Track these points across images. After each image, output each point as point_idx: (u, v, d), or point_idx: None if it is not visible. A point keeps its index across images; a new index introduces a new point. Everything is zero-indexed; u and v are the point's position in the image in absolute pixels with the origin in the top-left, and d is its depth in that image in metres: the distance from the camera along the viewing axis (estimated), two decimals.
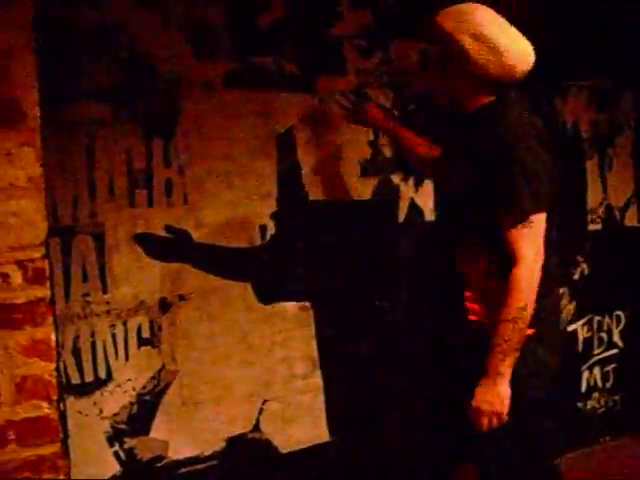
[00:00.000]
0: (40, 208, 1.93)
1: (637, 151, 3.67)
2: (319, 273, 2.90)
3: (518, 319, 2.00)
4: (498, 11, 2.08)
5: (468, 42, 1.97)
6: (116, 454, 2.60)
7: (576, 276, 3.56)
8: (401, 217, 3.06)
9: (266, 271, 2.82)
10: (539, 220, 2.02)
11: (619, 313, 3.72)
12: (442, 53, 2.06)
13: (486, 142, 2.03)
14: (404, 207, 3.06)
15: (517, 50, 2.00)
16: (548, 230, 2.06)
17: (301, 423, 2.92)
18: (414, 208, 3.07)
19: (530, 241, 2.00)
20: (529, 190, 1.98)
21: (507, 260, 2.02)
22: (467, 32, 1.97)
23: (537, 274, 2.02)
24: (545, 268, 2.06)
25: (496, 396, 2.04)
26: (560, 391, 2.36)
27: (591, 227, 3.59)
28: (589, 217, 3.58)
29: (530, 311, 2.02)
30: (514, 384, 2.05)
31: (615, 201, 3.65)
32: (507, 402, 2.05)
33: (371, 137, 2.97)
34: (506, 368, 2.03)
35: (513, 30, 2.03)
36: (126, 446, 2.62)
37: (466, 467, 2.29)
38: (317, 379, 2.93)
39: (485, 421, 2.06)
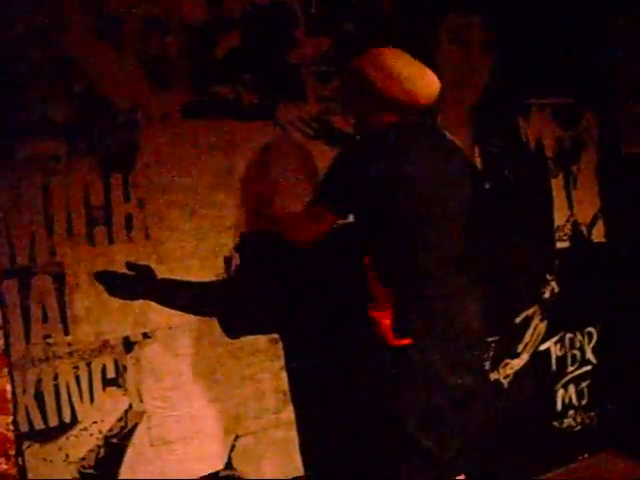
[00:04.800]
0: None
1: (601, 167, 3.69)
2: (288, 304, 2.85)
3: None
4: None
5: (372, 72, 2.31)
6: None
7: (546, 294, 3.55)
8: None
9: (232, 304, 2.76)
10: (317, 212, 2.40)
11: (590, 329, 3.71)
12: (354, 86, 2.39)
13: None
14: None
15: (418, 79, 2.30)
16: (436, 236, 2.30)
17: (274, 458, 2.85)
18: None
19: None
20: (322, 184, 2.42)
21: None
22: (372, 65, 2.32)
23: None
24: (426, 270, 2.29)
25: None
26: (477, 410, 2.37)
27: (559, 245, 3.58)
28: (556, 235, 3.57)
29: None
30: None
31: (582, 218, 3.66)
32: None
33: None
34: None
35: (418, 65, 2.33)
36: None
37: None
38: (289, 413, 2.87)
39: None
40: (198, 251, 2.68)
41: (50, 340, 2.45)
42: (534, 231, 3.51)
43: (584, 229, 3.67)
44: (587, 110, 3.62)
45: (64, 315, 2.47)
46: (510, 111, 3.40)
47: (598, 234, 3.72)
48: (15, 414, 1.91)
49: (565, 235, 3.60)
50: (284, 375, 2.86)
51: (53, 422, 2.47)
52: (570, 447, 3.64)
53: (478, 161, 3.30)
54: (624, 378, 3.68)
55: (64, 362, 2.48)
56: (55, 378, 2.47)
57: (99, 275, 2.52)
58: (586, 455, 3.67)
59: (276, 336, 2.85)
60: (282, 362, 2.86)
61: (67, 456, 2.49)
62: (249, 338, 2.79)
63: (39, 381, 2.44)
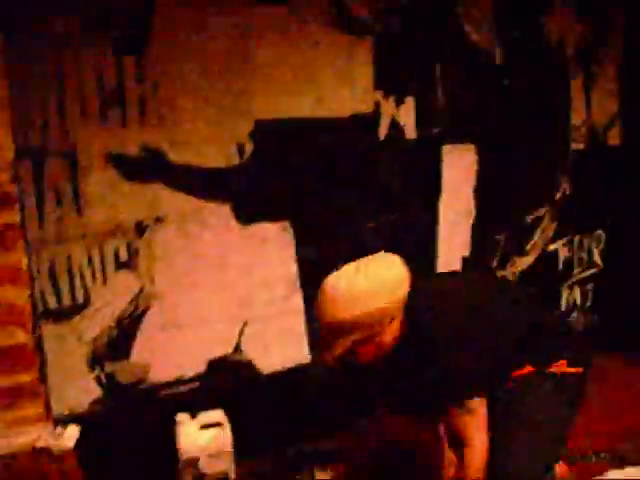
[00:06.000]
0: (5, 126, 1.82)
1: (623, 69, 3.60)
2: (299, 193, 2.84)
3: None
4: None
5: (372, 310, 2.00)
6: (97, 378, 2.59)
7: (558, 196, 3.53)
8: (382, 134, 2.99)
9: (244, 191, 2.75)
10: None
11: (599, 232, 3.71)
12: (371, 333, 2.04)
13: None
14: (385, 124, 2.99)
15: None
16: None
17: (282, 344, 2.90)
18: (395, 125, 3.00)
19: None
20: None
21: None
22: (363, 305, 2.00)
23: None
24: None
25: None
26: None
27: (574, 146, 3.54)
28: (572, 136, 3.52)
29: None
30: None
31: (599, 120, 3.60)
32: None
33: None
34: None
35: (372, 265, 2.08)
36: (107, 370, 2.60)
37: None
38: (297, 300, 2.90)
39: None
40: (212, 136, 2.65)
41: (63, 222, 2.46)
42: (550, 132, 3.46)
43: (600, 131, 3.61)
44: (611, 3, 3.50)
45: (77, 197, 2.48)
46: (533, 8, 3.30)
47: (614, 137, 3.67)
48: (32, 290, 1.92)
49: (581, 137, 3.55)
50: (293, 263, 2.88)
51: (66, 302, 2.51)
52: None
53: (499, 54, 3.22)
54: (628, 283, 3.70)
55: (77, 244, 2.50)
56: (68, 260, 2.49)
57: (112, 157, 2.50)
58: None
59: (287, 224, 2.84)
60: (292, 250, 2.87)
61: (80, 336, 2.54)
62: (260, 225, 2.80)
63: (52, 263, 2.47)
